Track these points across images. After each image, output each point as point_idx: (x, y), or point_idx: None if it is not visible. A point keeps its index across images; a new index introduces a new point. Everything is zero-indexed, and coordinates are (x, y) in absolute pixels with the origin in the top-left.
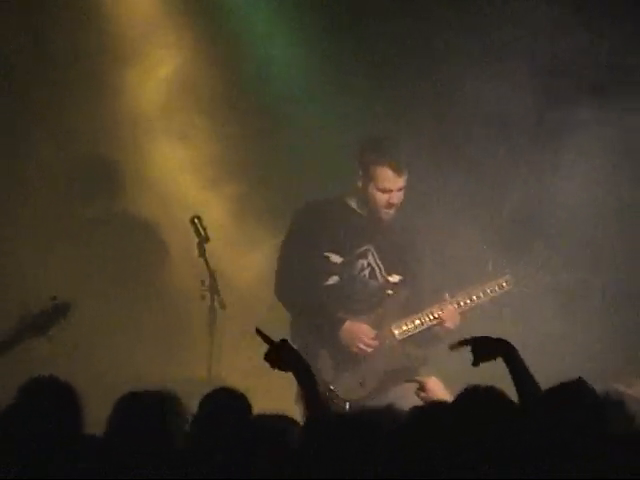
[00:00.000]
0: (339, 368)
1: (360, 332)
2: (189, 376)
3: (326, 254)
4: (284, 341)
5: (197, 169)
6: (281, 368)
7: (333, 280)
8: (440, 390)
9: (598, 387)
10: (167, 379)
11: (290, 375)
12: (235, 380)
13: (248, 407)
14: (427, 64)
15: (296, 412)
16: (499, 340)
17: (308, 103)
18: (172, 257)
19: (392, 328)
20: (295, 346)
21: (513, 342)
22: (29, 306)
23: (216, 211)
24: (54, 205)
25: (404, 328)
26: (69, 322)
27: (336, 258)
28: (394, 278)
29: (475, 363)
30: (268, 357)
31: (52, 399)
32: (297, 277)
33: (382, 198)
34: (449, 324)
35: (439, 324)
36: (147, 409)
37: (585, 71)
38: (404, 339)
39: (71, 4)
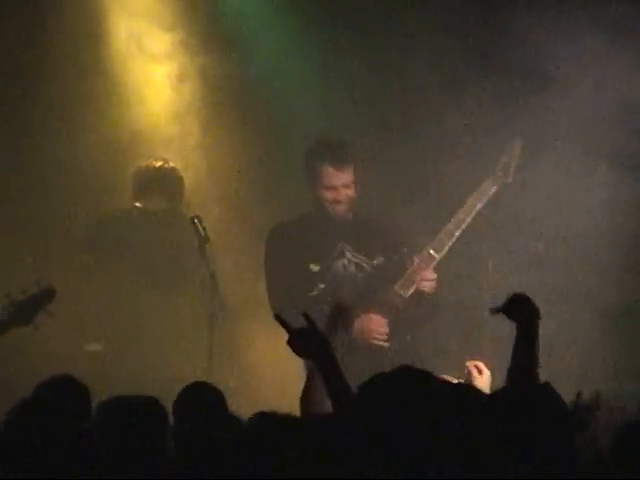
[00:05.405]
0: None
1: (371, 324)
2: (188, 376)
3: (306, 266)
4: (307, 328)
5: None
6: (302, 355)
7: (318, 289)
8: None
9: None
10: (166, 379)
11: (289, 375)
12: (235, 380)
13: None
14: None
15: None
16: (533, 305)
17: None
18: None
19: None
20: None
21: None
22: (11, 294)
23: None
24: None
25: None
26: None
27: (315, 267)
28: (378, 260)
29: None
30: (290, 343)
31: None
32: (286, 294)
33: (329, 196)
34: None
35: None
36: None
37: None
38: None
39: None
